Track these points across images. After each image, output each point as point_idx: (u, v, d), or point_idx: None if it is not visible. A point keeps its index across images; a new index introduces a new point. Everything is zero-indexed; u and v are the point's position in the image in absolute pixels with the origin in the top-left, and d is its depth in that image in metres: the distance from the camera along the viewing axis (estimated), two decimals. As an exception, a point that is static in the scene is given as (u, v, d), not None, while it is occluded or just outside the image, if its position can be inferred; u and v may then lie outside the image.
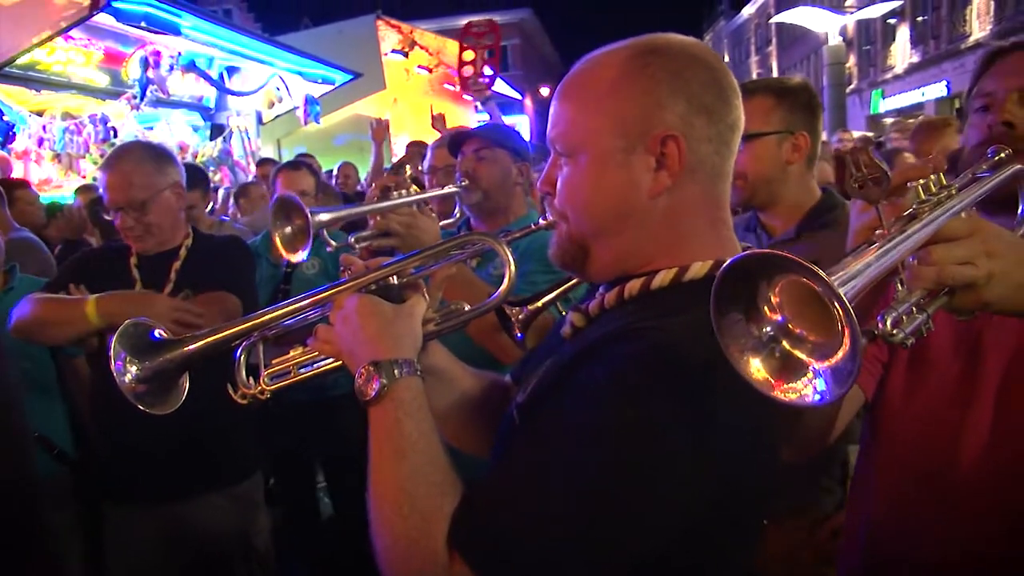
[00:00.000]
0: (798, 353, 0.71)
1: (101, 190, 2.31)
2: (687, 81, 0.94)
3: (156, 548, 2.27)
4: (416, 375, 0.98)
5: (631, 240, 0.98)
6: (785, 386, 0.70)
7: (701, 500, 0.82)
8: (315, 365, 1.10)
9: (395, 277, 1.11)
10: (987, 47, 1.29)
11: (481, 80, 12.10)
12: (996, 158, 1.08)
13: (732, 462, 0.84)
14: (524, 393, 1.00)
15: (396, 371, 0.96)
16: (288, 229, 1.60)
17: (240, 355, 1.10)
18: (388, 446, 0.92)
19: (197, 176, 3.85)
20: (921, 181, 0.90)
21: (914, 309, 0.78)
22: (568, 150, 1.00)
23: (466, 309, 1.15)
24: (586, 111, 0.98)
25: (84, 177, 8.17)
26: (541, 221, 1.23)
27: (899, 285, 0.80)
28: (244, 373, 1.10)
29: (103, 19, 7.70)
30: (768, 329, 0.72)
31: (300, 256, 1.60)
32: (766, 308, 0.71)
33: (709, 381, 0.81)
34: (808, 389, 0.69)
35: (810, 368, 0.69)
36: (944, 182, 0.91)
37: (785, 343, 0.71)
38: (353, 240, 1.83)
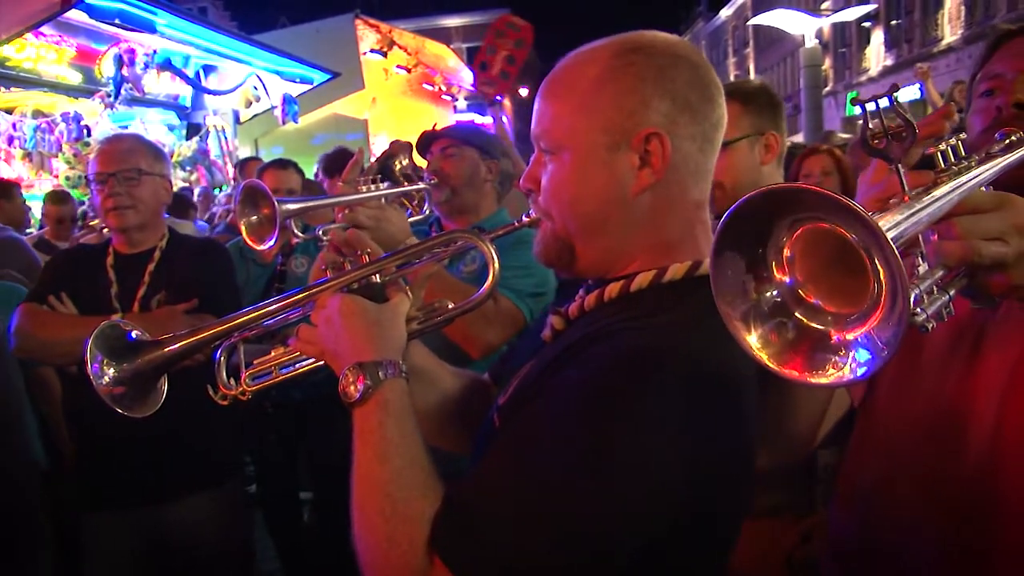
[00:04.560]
0: (816, 325, 0.63)
1: (92, 165, 2.25)
2: (671, 79, 0.95)
3: (135, 554, 2.23)
4: (401, 376, 0.97)
5: (615, 237, 0.98)
6: (807, 365, 0.62)
7: (676, 500, 0.82)
8: (297, 365, 1.09)
9: (378, 275, 1.10)
10: (999, 31, 1.20)
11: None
12: (1007, 141, 0.98)
13: (707, 463, 0.83)
14: (505, 395, 1.00)
15: (381, 373, 0.95)
16: (254, 218, 1.59)
17: (220, 355, 1.09)
18: (371, 448, 0.91)
19: None
20: (942, 147, 0.81)
21: (935, 289, 0.69)
22: (552, 147, 0.99)
23: (450, 307, 1.14)
24: (570, 109, 0.97)
25: (56, 176, 8.01)
26: (524, 218, 1.23)
27: (918, 261, 0.70)
28: (225, 374, 1.09)
29: (76, 15, 7.55)
30: (774, 293, 0.64)
31: (266, 245, 1.59)
32: (775, 264, 0.64)
33: (685, 381, 0.81)
34: (843, 367, 0.60)
35: (836, 340, 0.61)
36: (962, 152, 0.83)
37: (799, 313, 0.63)
38: (321, 232, 1.82)
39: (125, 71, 8.55)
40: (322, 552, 3.25)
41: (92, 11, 7.64)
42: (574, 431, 0.81)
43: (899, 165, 0.75)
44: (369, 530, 0.87)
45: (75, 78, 8.56)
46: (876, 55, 24.79)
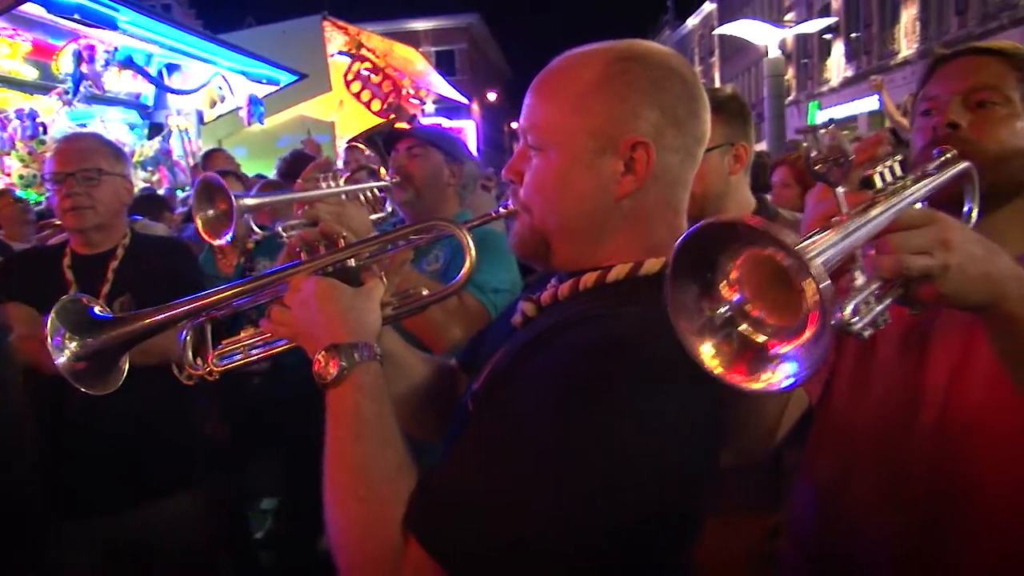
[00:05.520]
0: (758, 337, 0.69)
1: (49, 164, 2.19)
2: (663, 91, 0.96)
3: (114, 561, 2.15)
4: (376, 359, 0.97)
5: (593, 238, 1.00)
6: (747, 372, 0.68)
7: (643, 490, 0.82)
8: (267, 347, 1.07)
9: (352, 260, 1.08)
10: (935, 55, 1.30)
11: (410, 101, 11.70)
12: (942, 158, 1.09)
13: (674, 453, 0.84)
14: (478, 381, 1.01)
15: (356, 355, 0.95)
16: (211, 212, 1.56)
17: (186, 336, 1.06)
18: (345, 429, 0.91)
19: None
20: (879, 169, 0.90)
21: (872, 299, 0.76)
22: (539, 144, 1.00)
23: (424, 293, 1.13)
24: (561, 109, 0.98)
25: (8, 175, 7.76)
26: (501, 209, 1.23)
27: (856, 274, 0.77)
28: (191, 353, 1.06)
29: (32, 9, 7.35)
30: (724, 309, 0.70)
31: (222, 240, 1.56)
32: (724, 285, 0.70)
33: (656, 371, 0.82)
34: (774, 374, 0.66)
35: (773, 351, 0.67)
36: (899, 172, 0.92)
37: (744, 326, 0.70)
38: (281, 229, 1.79)
39: (84, 68, 8.34)
40: (289, 557, 3.19)
41: (50, 5, 7.44)
42: (546, 418, 0.81)
43: (838, 188, 0.83)
44: (343, 512, 0.86)
45: (31, 74, 8.32)
46: (837, 66, 25.44)
